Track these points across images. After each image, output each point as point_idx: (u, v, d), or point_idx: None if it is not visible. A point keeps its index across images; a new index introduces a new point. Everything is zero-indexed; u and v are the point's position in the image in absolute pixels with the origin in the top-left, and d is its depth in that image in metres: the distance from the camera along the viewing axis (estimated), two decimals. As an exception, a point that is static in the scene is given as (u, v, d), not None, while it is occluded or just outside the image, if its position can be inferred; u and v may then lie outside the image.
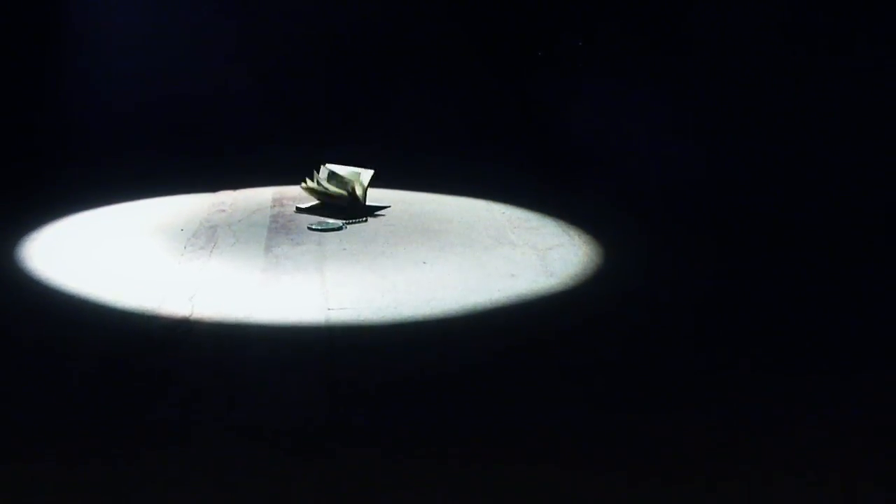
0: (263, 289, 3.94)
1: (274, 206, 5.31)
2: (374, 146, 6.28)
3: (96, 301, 3.74)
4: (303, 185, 5.26)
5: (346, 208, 5.12)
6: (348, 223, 4.93)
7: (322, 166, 5.27)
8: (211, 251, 4.45)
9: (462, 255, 4.45)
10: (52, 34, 6.51)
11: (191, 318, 3.59)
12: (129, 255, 4.41)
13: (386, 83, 6.88)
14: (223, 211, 5.18)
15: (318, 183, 5.20)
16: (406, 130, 6.63)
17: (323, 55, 6.86)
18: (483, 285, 4.02)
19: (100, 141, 6.32)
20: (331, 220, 4.95)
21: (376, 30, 6.89)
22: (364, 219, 5.01)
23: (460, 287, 3.99)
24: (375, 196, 5.34)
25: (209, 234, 4.71)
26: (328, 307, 3.72)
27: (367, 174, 5.22)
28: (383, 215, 5.12)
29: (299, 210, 5.16)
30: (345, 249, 4.52)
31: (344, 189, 5.14)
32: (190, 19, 6.68)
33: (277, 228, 4.87)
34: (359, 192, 5.16)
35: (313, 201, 5.25)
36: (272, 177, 5.86)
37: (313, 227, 4.85)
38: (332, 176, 5.18)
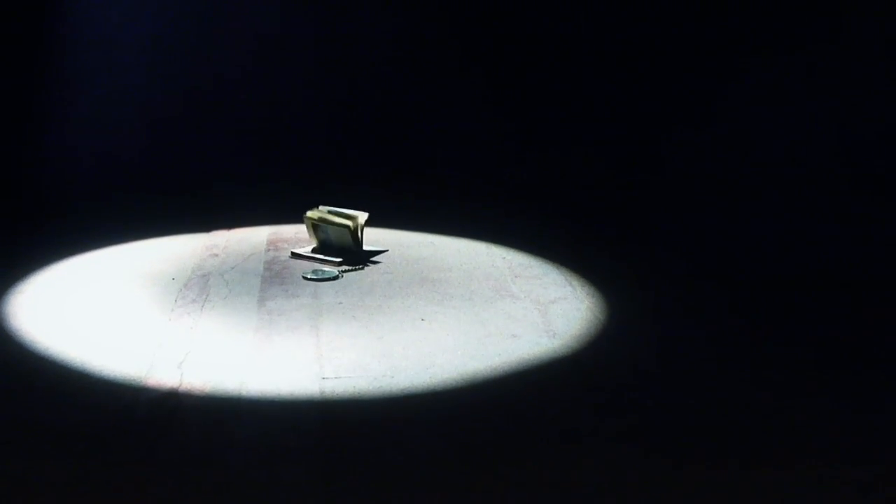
0: (256, 353, 3.80)
1: (269, 249, 5.18)
2: (372, 183, 6.17)
3: (81, 369, 3.61)
4: (307, 215, 5.07)
5: (343, 251, 4.98)
6: (344, 271, 4.79)
7: (318, 208, 5.13)
8: (202, 305, 4.32)
9: (461, 310, 4.31)
10: (35, 70, 6.35)
11: (179, 390, 3.46)
12: (119, 309, 4.27)
13: (385, 119, 6.74)
14: (216, 255, 5.05)
15: (320, 218, 5.02)
16: (405, 167, 6.50)
17: (321, 90, 6.72)
18: (483, 349, 3.88)
19: (89, 180, 6.18)
20: (326, 268, 4.82)
21: (376, 66, 6.74)
22: (360, 266, 4.88)
23: (459, 351, 3.86)
24: (372, 238, 5.21)
25: (201, 285, 4.58)
26: (323, 376, 3.59)
27: (362, 217, 5.08)
28: (380, 261, 4.99)
29: (294, 255, 5.03)
30: (340, 303, 4.38)
31: (346, 221, 4.97)
32: (183, 52, 6.53)
33: (272, 277, 4.73)
34: (358, 232, 5.02)
35: (309, 244, 5.12)
36: (268, 214, 5.74)
37: (308, 276, 4.71)
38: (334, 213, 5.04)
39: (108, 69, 6.45)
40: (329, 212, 5.06)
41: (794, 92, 6.22)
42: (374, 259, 5.00)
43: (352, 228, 4.95)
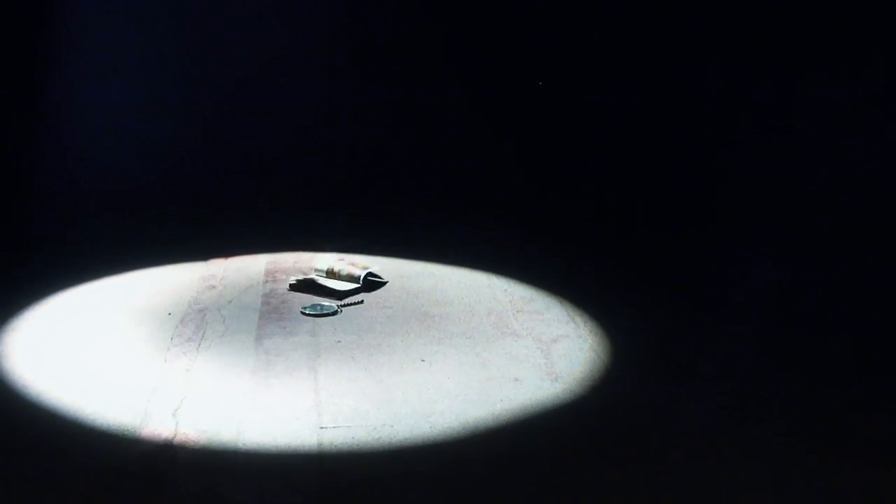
0: (253, 399, 3.73)
1: (267, 280, 5.10)
2: (371, 210, 6.09)
3: (74, 419, 3.53)
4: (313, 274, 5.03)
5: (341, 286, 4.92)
6: (344, 305, 4.72)
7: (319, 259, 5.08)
8: (199, 344, 4.24)
9: (462, 350, 4.23)
10: (29, 95, 6.25)
11: (174, 440, 3.38)
12: (115, 348, 4.20)
13: (386, 146, 6.65)
14: (213, 287, 4.97)
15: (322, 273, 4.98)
16: (405, 194, 6.41)
17: (321, 115, 6.62)
18: (484, 394, 3.81)
19: (84, 207, 6.09)
20: (325, 303, 4.74)
21: (376, 92, 6.64)
22: (360, 300, 4.80)
23: (460, 396, 3.78)
24: (372, 267, 5.12)
25: (198, 321, 4.50)
26: (321, 425, 3.52)
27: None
28: (380, 293, 4.91)
29: (292, 287, 4.95)
30: (339, 342, 4.31)
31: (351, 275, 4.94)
32: (181, 76, 6.44)
33: (269, 312, 4.65)
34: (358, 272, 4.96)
35: (306, 274, 5.04)
36: (266, 241, 5.65)
37: (306, 311, 4.63)
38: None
39: (104, 95, 6.35)
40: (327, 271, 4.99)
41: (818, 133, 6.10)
42: (374, 290, 4.92)
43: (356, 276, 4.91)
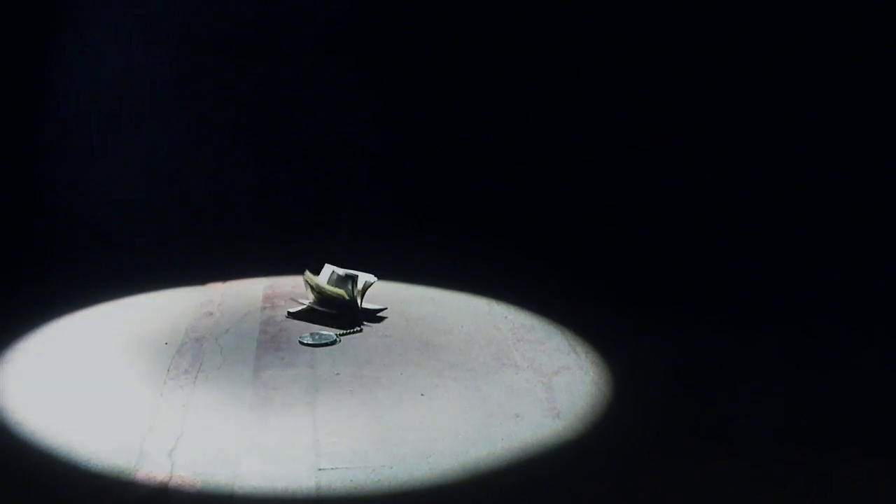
0: (250, 437, 3.67)
1: (265, 307, 5.05)
2: (371, 232, 6.03)
3: (68, 460, 3.47)
4: (305, 277, 4.95)
5: (340, 311, 4.85)
6: (342, 334, 4.66)
7: (325, 267, 5.01)
8: (195, 377, 4.19)
9: (462, 383, 4.18)
10: (27, 120, 6.17)
11: (169, 484, 3.33)
12: (111, 381, 4.14)
13: (385, 167, 6.58)
14: (211, 314, 4.92)
15: (317, 286, 4.90)
16: (405, 216, 6.35)
17: (320, 137, 6.56)
18: (485, 431, 3.75)
19: (80, 230, 6.03)
20: (323, 332, 4.69)
21: (376, 113, 6.58)
22: (359, 328, 4.74)
23: (460, 434, 3.73)
24: (371, 293, 5.07)
25: (195, 351, 4.45)
26: (319, 467, 3.46)
27: (365, 278, 4.95)
28: (380, 320, 4.86)
29: (290, 315, 4.90)
30: (338, 374, 4.25)
31: (344, 289, 4.85)
32: (181, 97, 6.36)
33: (267, 342, 4.60)
34: (357, 296, 4.89)
35: (305, 303, 4.99)
36: (264, 264, 5.60)
37: (305, 341, 4.58)
38: (335, 281, 4.90)
39: (103, 119, 6.29)
40: (332, 276, 4.92)
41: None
42: (374, 318, 4.87)
43: (348, 298, 4.82)
